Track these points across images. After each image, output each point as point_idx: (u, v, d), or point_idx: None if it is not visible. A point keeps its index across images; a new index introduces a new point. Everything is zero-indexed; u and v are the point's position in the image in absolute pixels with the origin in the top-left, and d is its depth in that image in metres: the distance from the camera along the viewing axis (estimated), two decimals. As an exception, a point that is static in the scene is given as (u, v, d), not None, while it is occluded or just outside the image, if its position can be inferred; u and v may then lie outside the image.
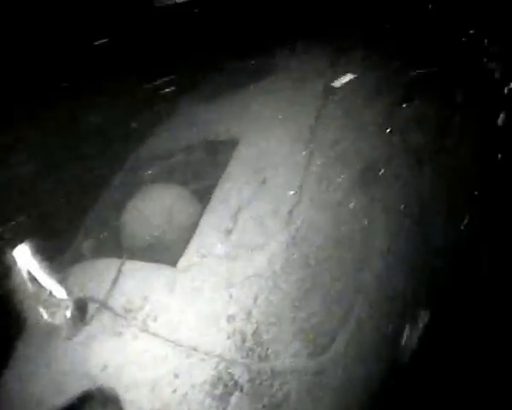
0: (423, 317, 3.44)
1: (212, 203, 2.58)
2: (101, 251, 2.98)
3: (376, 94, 3.62)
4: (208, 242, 2.43)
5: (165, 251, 2.60)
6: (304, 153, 2.90)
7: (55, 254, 2.88)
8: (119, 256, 2.79)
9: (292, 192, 2.70)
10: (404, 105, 3.62)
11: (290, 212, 2.62)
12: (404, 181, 3.58)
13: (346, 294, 2.84)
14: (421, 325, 3.41)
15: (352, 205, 3.06)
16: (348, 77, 3.64)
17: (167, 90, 3.56)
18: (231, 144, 2.92)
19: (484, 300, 3.62)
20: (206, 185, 2.93)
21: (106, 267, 2.47)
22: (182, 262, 2.38)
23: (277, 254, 2.49)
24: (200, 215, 2.64)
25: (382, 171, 3.43)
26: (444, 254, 3.49)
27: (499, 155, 3.97)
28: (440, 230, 3.53)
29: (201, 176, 3.05)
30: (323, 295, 2.68)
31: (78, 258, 2.95)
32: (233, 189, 2.62)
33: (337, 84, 3.55)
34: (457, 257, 3.58)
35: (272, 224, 2.54)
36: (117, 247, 2.88)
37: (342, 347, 2.74)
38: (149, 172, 3.14)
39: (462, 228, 3.66)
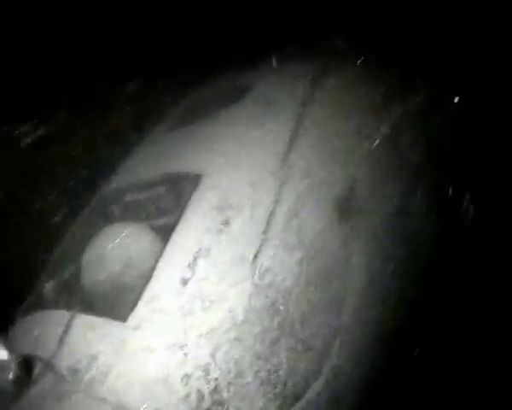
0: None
1: (168, 250, 2.41)
2: (63, 293, 2.85)
3: (356, 118, 3.43)
4: (162, 294, 2.26)
5: (121, 300, 2.44)
6: (273, 187, 2.72)
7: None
8: (80, 299, 2.68)
9: (258, 232, 2.52)
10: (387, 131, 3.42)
11: (256, 256, 2.44)
12: (387, 210, 3.39)
13: (320, 338, 2.65)
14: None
15: (326, 241, 2.89)
16: (326, 99, 3.47)
17: (135, 117, 3.40)
18: (195, 179, 2.75)
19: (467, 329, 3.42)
20: (170, 223, 2.77)
21: (55, 321, 2.33)
22: (133, 318, 2.21)
23: (239, 303, 2.31)
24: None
25: (362, 200, 3.27)
26: (430, 287, 3.30)
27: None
28: (426, 261, 3.33)
29: (166, 212, 2.89)
30: (293, 343, 2.50)
31: (40, 300, 2.82)
32: (192, 232, 2.44)
33: (314, 107, 3.37)
34: (441, 288, 3.38)
35: (235, 271, 2.36)
36: (79, 289, 2.74)
37: (315, 395, 2.57)
38: (116, 207, 2.99)
39: (447, 259, 3.46)
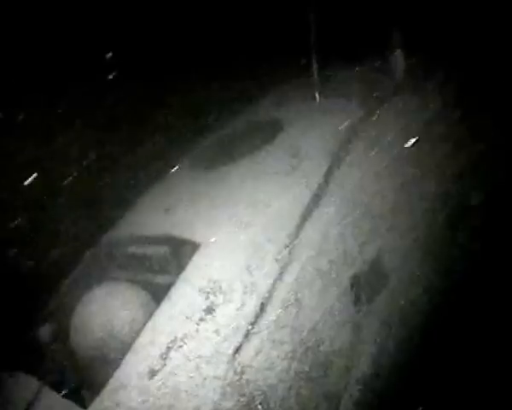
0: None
1: (145, 333, 2.29)
2: (59, 337, 2.85)
3: (391, 179, 3.09)
4: (127, 384, 2.14)
5: (95, 375, 2.39)
6: (273, 271, 2.49)
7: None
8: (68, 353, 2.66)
9: (245, 324, 2.33)
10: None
11: (236, 351, 2.26)
12: (417, 286, 3.06)
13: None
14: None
15: (331, 328, 2.64)
16: (362, 152, 3.13)
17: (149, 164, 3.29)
18: (194, 248, 2.60)
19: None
20: (165, 282, 2.66)
21: (23, 388, 2.30)
22: (95, 405, 2.13)
23: (208, 402, 2.15)
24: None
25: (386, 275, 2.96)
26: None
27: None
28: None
29: (167, 271, 2.77)
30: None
31: (36, 343, 2.84)
32: (171, 318, 2.29)
33: (346, 162, 3.05)
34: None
35: (209, 366, 2.19)
36: (67, 343, 2.72)
37: None
38: (119, 256, 2.93)
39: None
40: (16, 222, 3.00)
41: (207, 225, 2.68)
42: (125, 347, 2.36)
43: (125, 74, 3.23)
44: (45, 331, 2.84)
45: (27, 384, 2.34)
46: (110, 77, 3.16)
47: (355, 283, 2.77)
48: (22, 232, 3.07)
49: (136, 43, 3.41)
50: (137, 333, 2.38)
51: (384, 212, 3.03)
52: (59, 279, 2.90)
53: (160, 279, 2.71)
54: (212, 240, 2.58)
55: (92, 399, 2.17)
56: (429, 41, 3.68)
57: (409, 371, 2.96)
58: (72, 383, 2.41)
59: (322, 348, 2.56)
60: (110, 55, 3.18)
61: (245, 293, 2.39)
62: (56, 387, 2.31)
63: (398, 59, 3.85)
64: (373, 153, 3.20)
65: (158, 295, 2.59)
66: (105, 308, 2.50)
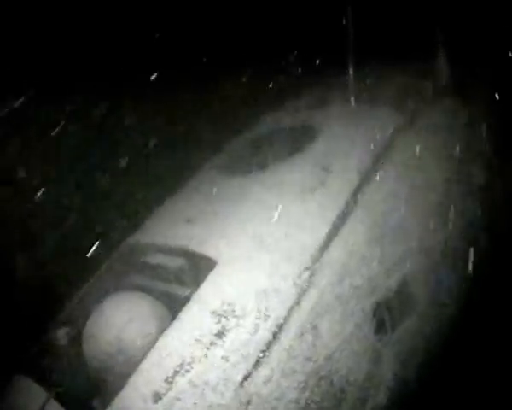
0: None
1: (153, 353, 2.23)
2: (76, 341, 2.83)
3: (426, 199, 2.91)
4: (130, 407, 2.09)
5: (103, 389, 2.36)
6: (291, 296, 2.38)
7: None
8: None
9: (256, 351, 2.24)
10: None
11: (245, 379, 2.18)
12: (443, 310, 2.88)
13: None
14: None
15: (349, 357, 2.51)
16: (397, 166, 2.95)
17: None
18: (210, 264, 2.51)
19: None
20: (180, 294, 2.59)
21: (32, 398, 2.29)
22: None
23: (212, 432, 2.09)
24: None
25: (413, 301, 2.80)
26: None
27: None
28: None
29: (183, 283, 2.70)
30: None
31: (52, 345, 2.84)
32: (181, 340, 2.23)
33: (377, 179, 2.88)
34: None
35: (214, 394, 2.12)
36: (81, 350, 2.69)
37: None
38: (138, 261, 2.87)
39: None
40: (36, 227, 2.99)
41: (226, 242, 2.59)
42: (133, 363, 2.31)
43: (149, 78, 3.14)
44: (60, 337, 2.84)
45: (34, 394, 2.33)
46: (135, 80, 3.08)
47: (378, 310, 2.64)
48: (42, 238, 3.06)
49: (164, 43, 3.30)
50: (148, 348, 2.34)
51: (414, 234, 2.87)
52: (76, 285, 2.87)
53: (176, 290, 2.64)
54: (230, 258, 2.49)
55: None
56: (476, 44, 3.43)
57: (426, 402, 2.82)
58: (79, 395, 2.40)
59: (336, 378, 2.45)
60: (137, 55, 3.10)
61: (258, 318, 2.30)
62: (63, 399, 2.29)
63: (442, 63, 3.62)
64: (407, 168, 3.03)
65: (172, 306, 2.54)
66: (115, 321, 2.44)
